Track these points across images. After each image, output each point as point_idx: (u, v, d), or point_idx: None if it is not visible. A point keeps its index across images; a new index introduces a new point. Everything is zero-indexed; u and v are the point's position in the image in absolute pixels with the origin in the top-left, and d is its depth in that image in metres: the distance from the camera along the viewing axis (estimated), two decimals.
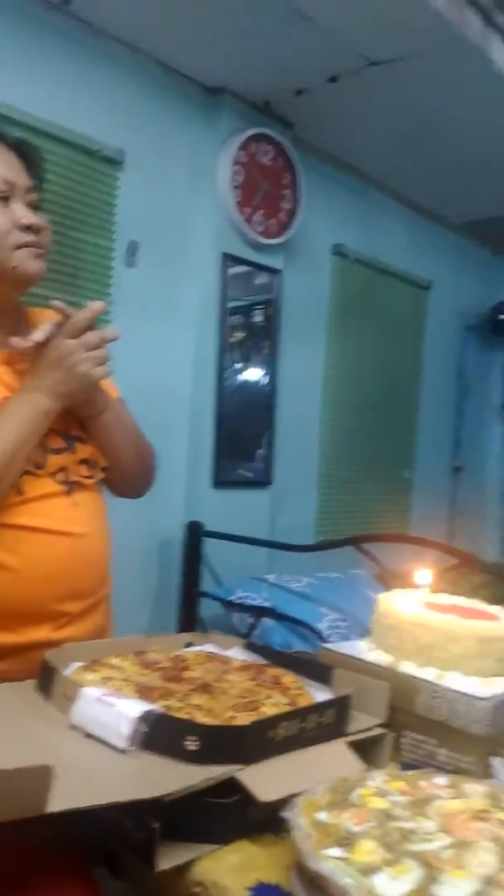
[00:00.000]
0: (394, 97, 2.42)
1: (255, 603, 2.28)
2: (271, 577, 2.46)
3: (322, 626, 2.16)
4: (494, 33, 2.16)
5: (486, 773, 0.93)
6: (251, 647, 1.26)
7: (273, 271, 2.68)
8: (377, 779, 0.82)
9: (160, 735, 0.85)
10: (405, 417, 3.57)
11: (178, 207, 2.48)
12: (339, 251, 3.02)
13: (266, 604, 2.27)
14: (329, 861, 0.66)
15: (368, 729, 0.98)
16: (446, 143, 2.73)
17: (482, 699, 0.94)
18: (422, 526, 3.47)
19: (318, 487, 3.11)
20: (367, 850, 0.67)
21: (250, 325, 2.70)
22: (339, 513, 3.18)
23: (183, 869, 0.78)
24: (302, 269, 2.87)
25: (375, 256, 3.20)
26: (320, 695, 1.03)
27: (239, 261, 2.56)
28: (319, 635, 2.04)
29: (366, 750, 0.97)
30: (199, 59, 2.35)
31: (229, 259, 2.53)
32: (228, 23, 2.10)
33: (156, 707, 0.89)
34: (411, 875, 0.64)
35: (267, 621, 2.21)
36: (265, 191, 2.56)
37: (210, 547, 2.51)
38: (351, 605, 2.21)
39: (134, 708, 0.86)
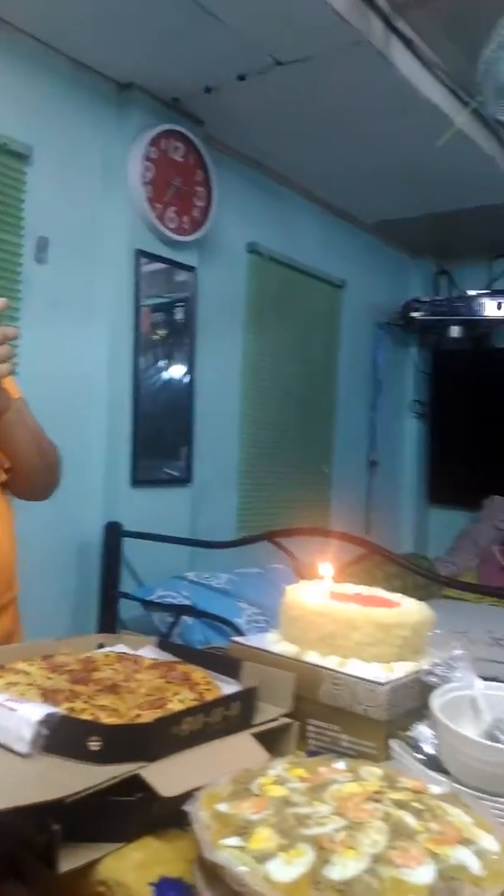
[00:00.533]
0: (301, 98, 2.46)
1: (176, 601, 2.28)
2: (191, 575, 2.47)
3: (241, 620, 2.18)
4: (396, 38, 2.23)
5: (386, 757, 0.97)
6: (163, 645, 1.26)
7: (188, 268, 2.67)
8: (278, 767, 0.83)
9: (62, 737, 0.84)
10: (323, 413, 3.64)
11: (89, 203, 2.44)
12: (253, 249, 3.05)
13: (186, 602, 2.27)
14: (225, 850, 0.67)
15: (274, 719, 1.00)
16: (354, 144, 2.79)
17: (381, 684, 0.98)
18: (340, 519, 3.54)
19: (238, 484, 3.13)
20: (263, 838, 0.69)
21: (172, 323, 2.69)
22: (261, 509, 3.21)
23: (86, 869, 0.78)
24: (217, 266, 2.88)
25: (290, 255, 3.24)
26: (229, 689, 1.04)
27: (152, 257, 2.54)
28: (238, 630, 2.06)
29: (273, 740, 0.99)
30: (107, 54, 2.33)
31: (143, 256, 2.51)
32: (137, 18, 2.09)
33: (58, 710, 0.89)
34: (304, 858, 0.66)
35: (187, 619, 2.22)
36: (177, 187, 2.56)
37: (130, 547, 2.49)
38: (269, 598, 2.24)
39: (35, 711, 0.85)
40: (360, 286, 3.75)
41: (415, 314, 3.94)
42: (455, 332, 3.96)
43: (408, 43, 2.30)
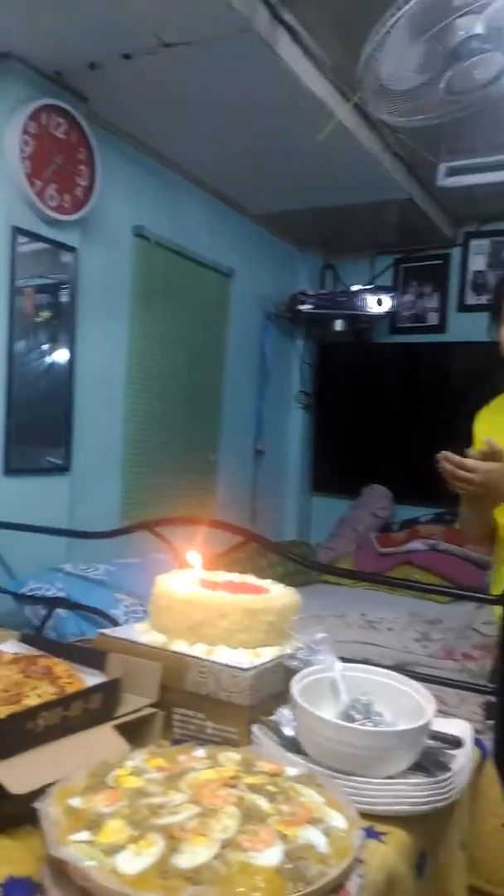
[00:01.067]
0: (188, 82, 2.42)
1: (49, 594, 2.21)
2: (68, 567, 2.40)
3: (118, 612, 2.14)
4: (282, 29, 2.23)
5: (248, 741, 0.98)
6: (27, 638, 1.22)
7: (69, 249, 2.58)
8: (137, 758, 0.83)
9: None
10: (210, 402, 3.63)
11: None
12: (139, 233, 2.98)
13: (60, 594, 2.21)
14: (72, 845, 0.66)
15: (138, 710, 0.99)
16: (240, 133, 2.78)
17: (244, 670, 0.99)
18: (227, 507, 3.56)
19: (122, 473, 3.06)
20: (114, 830, 0.68)
21: (58, 305, 2.59)
22: (146, 498, 3.16)
23: None
24: (101, 248, 2.80)
25: (178, 241, 3.20)
26: (94, 681, 1.02)
27: (31, 236, 2.44)
28: (115, 622, 2.03)
29: (137, 730, 0.98)
30: None
31: (20, 233, 2.40)
32: None
33: None
34: (154, 849, 0.65)
35: (61, 612, 2.15)
36: (58, 164, 2.46)
37: (2, 538, 2.39)
38: (149, 589, 2.21)
39: None
40: (248, 276, 3.76)
41: (301, 307, 4.00)
42: (339, 325, 4.05)
43: (294, 35, 2.31)
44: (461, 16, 1.75)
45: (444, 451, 1.42)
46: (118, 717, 0.95)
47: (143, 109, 2.69)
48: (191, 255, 3.31)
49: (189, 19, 2.11)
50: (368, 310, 3.90)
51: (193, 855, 0.64)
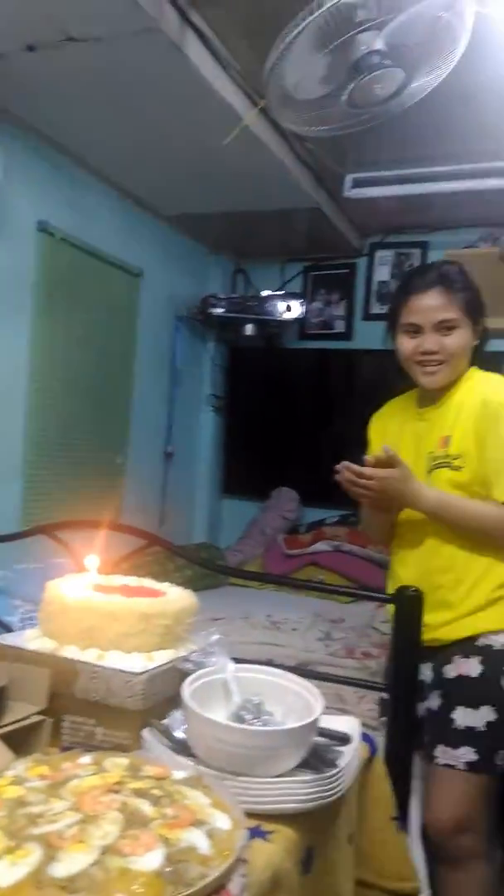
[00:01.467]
0: (95, 78, 2.38)
1: None
2: None
3: (14, 619, 2.07)
4: (191, 31, 2.23)
5: (139, 746, 0.97)
6: None
7: None
8: (19, 767, 0.80)
9: None
10: (118, 403, 3.58)
11: None
12: (43, 228, 2.90)
13: None
14: None
15: (24, 718, 0.96)
16: (148, 133, 2.75)
17: (136, 674, 0.98)
18: (135, 511, 3.51)
19: (23, 474, 2.98)
20: None
21: None
22: (49, 501, 3.08)
23: None
24: (2, 242, 2.71)
25: (84, 238, 3.14)
26: None
27: None
28: (8, 629, 1.96)
29: (24, 739, 0.95)
30: None
31: None
32: None
33: None
34: (30, 858, 0.64)
35: None
36: None
37: None
38: None
39: None
40: (158, 277, 3.73)
41: (212, 310, 4.00)
42: (249, 329, 4.07)
43: (202, 37, 2.31)
44: (362, 31, 1.79)
45: (344, 462, 1.44)
46: (2, 727, 0.92)
47: (49, 104, 2.63)
48: (98, 253, 3.26)
49: (95, 14, 2.07)
50: (278, 315, 3.94)
51: (71, 863, 0.63)
